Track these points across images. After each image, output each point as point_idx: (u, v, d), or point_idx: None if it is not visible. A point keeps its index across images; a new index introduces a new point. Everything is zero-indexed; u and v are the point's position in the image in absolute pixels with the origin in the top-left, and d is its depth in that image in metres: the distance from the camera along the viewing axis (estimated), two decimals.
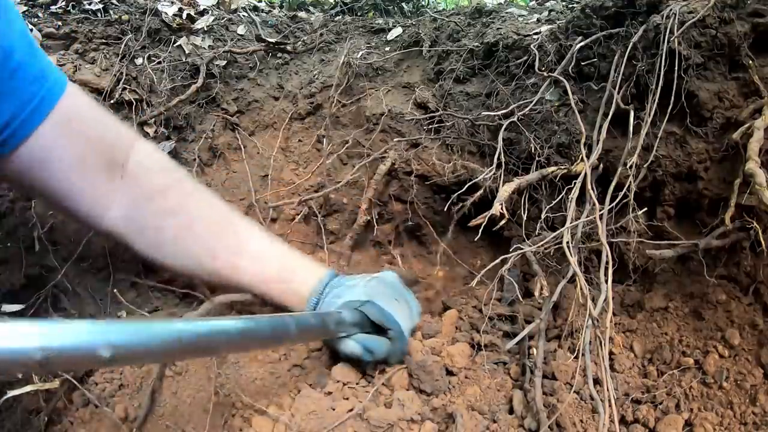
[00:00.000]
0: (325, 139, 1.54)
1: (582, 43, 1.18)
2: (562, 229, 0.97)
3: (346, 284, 0.90)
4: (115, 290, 1.21)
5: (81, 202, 0.76)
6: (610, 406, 0.78)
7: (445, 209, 1.20)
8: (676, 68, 1.00)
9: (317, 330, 0.78)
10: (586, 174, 1.02)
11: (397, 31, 1.69)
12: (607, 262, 0.91)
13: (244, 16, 1.81)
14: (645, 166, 1.08)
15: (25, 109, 0.67)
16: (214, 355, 0.69)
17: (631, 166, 1.02)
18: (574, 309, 1.03)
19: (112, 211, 0.78)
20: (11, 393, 0.88)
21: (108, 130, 0.78)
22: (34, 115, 0.69)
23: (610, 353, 1.04)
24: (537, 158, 1.21)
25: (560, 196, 1.10)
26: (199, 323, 0.58)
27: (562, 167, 1.17)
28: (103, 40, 1.50)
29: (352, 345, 0.84)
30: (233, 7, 1.82)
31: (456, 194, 1.17)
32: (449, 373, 0.98)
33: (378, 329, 0.86)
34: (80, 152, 0.74)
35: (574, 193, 1.03)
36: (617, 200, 1.03)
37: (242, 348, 0.68)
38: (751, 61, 1.00)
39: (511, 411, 0.95)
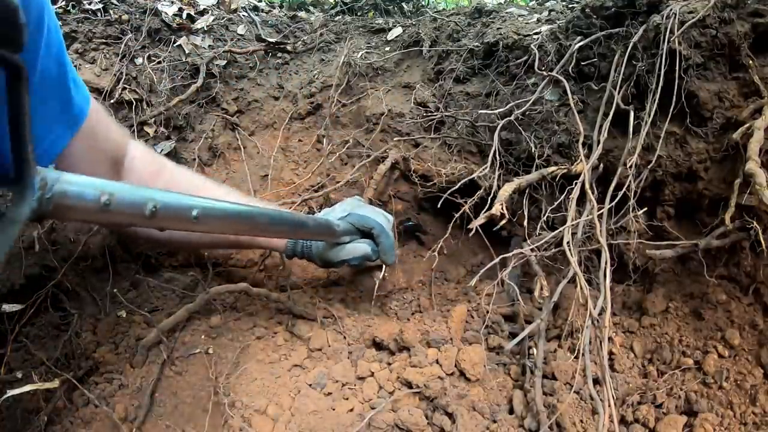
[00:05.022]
0: (325, 139, 1.54)
1: (582, 43, 1.18)
2: (561, 229, 0.98)
3: (324, 211, 1.09)
4: (115, 290, 1.21)
5: None
6: (610, 406, 0.78)
7: (445, 209, 1.20)
8: (677, 68, 1.00)
9: (326, 229, 0.96)
10: (585, 174, 1.02)
11: (397, 31, 1.69)
12: (606, 262, 0.91)
13: (244, 16, 1.81)
14: (646, 166, 1.08)
15: (53, 132, 0.73)
16: (260, 230, 0.92)
17: (631, 166, 1.02)
18: (574, 309, 1.03)
19: None
20: (11, 393, 0.88)
21: (113, 136, 0.88)
22: (61, 138, 0.74)
23: (610, 353, 1.04)
24: (537, 158, 1.21)
25: (561, 197, 1.10)
26: (254, 207, 0.79)
27: (562, 167, 1.17)
28: (103, 40, 1.50)
29: (361, 246, 1.01)
30: (233, 7, 1.82)
31: (456, 194, 1.17)
32: (466, 379, 0.98)
33: (363, 235, 1.04)
34: (94, 157, 0.82)
35: (575, 193, 1.03)
36: (617, 200, 1.03)
37: (274, 230, 0.90)
38: (751, 61, 1.00)
39: (511, 411, 0.95)
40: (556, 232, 0.99)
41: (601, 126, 1.11)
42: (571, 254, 0.90)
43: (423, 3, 2.18)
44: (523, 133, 1.25)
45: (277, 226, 0.85)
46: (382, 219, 1.06)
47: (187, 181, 0.98)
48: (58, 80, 0.71)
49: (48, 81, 0.68)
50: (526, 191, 1.22)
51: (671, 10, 1.01)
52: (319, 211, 1.46)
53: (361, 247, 1.02)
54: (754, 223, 0.94)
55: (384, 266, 1.30)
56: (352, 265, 1.06)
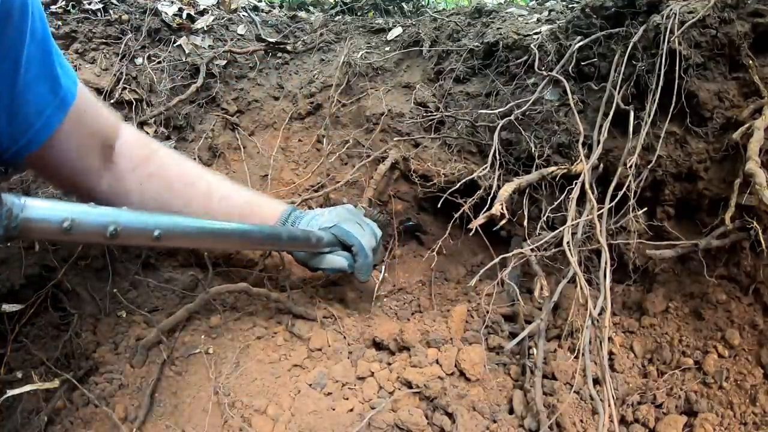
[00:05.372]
0: (325, 139, 1.54)
1: (582, 43, 1.18)
2: (561, 229, 0.98)
3: (313, 213, 1.10)
4: (115, 290, 1.21)
5: (79, 180, 0.88)
6: (610, 406, 0.78)
7: (445, 209, 1.20)
8: (677, 68, 1.00)
9: (302, 242, 0.98)
10: (585, 174, 1.02)
11: (397, 31, 1.69)
12: (606, 262, 0.91)
13: (244, 16, 1.81)
14: (646, 166, 1.08)
15: (43, 115, 0.75)
16: (226, 245, 0.98)
17: (631, 166, 1.02)
18: (574, 309, 1.03)
19: (103, 183, 0.91)
20: (11, 392, 0.88)
21: (103, 120, 0.90)
22: (52, 120, 0.76)
23: (610, 353, 1.04)
24: (537, 158, 1.21)
25: (561, 197, 1.10)
26: (219, 222, 0.80)
27: (562, 167, 1.17)
28: (103, 40, 1.50)
29: (339, 259, 1.04)
30: (233, 7, 1.82)
31: (456, 194, 1.17)
32: (466, 379, 0.98)
33: (344, 248, 1.05)
34: (84, 140, 0.85)
35: (575, 194, 1.03)
36: (617, 200, 1.03)
37: (246, 243, 0.94)
38: (751, 61, 1.00)
39: (511, 411, 0.95)
40: (556, 232, 0.99)
41: (601, 126, 1.11)
42: (571, 254, 0.90)
43: (423, 3, 2.18)
44: (523, 133, 1.25)
45: (246, 240, 0.88)
46: (368, 235, 1.08)
47: (177, 166, 0.99)
48: (45, 65, 0.73)
49: (34, 67, 0.70)
50: (526, 191, 1.22)
51: (671, 10, 1.01)
52: None
53: (338, 261, 1.04)
54: (754, 223, 0.94)
55: (383, 267, 1.31)
56: (327, 273, 1.11)
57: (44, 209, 0.52)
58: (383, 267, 1.36)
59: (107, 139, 0.89)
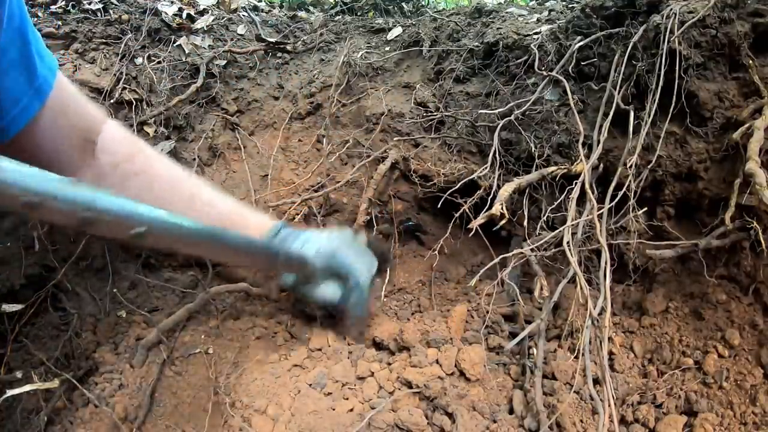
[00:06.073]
0: (324, 139, 1.54)
1: (582, 43, 1.18)
2: (561, 229, 0.98)
3: (307, 235, 1.00)
4: (115, 290, 1.21)
5: (56, 173, 0.84)
6: (610, 406, 0.78)
7: (445, 209, 1.20)
8: (677, 68, 1.00)
9: (297, 266, 0.91)
10: (585, 174, 1.02)
11: (397, 30, 1.69)
12: (606, 262, 0.91)
13: (244, 15, 1.81)
14: (646, 166, 1.08)
15: (19, 103, 0.73)
16: (205, 250, 0.86)
17: (631, 166, 1.02)
18: (574, 309, 1.03)
19: (83, 179, 0.86)
20: (11, 393, 0.88)
21: (85, 114, 0.87)
22: (28, 109, 0.74)
23: (610, 353, 1.04)
24: (537, 158, 1.21)
25: (561, 197, 1.10)
26: (204, 226, 0.75)
27: (562, 167, 1.17)
28: (103, 40, 1.50)
29: (331, 291, 0.96)
30: (233, 7, 1.82)
31: (456, 194, 1.17)
32: (466, 379, 0.98)
33: (338, 278, 0.97)
34: (63, 136, 0.83)
35: (575, 193, 1.03)
36: (617, 200, 1.03)
37: (235, 257, 0.86)
38: (751, 61, 1.00)
39: (511, 411, 0.95)
40: (556, 232, 0.99)
41: (601, 126, 1.11)
42: (571, 254, 0.90)
43: (423, 3, 2.18)
44: (523, 133, 1.25)
45: (226, 249, 0.81)
46: (366, 264, 1.00)
47: (161, 168, 0.95)
48: (21, 52, 0.71)
49: (11, 53, 0.68)
50: (526, 191, 1.22)
51: (671, 10, 1.01)
52: (319, 212, 1.45)
53: (330, 294, 0.96)
54: (754, 223, 0.94)
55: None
56: (317, 304, 1.03)
57: (13, 171, 0.50)
58: (387, 270, 1.36)
59: (89, 134, 0.87)
